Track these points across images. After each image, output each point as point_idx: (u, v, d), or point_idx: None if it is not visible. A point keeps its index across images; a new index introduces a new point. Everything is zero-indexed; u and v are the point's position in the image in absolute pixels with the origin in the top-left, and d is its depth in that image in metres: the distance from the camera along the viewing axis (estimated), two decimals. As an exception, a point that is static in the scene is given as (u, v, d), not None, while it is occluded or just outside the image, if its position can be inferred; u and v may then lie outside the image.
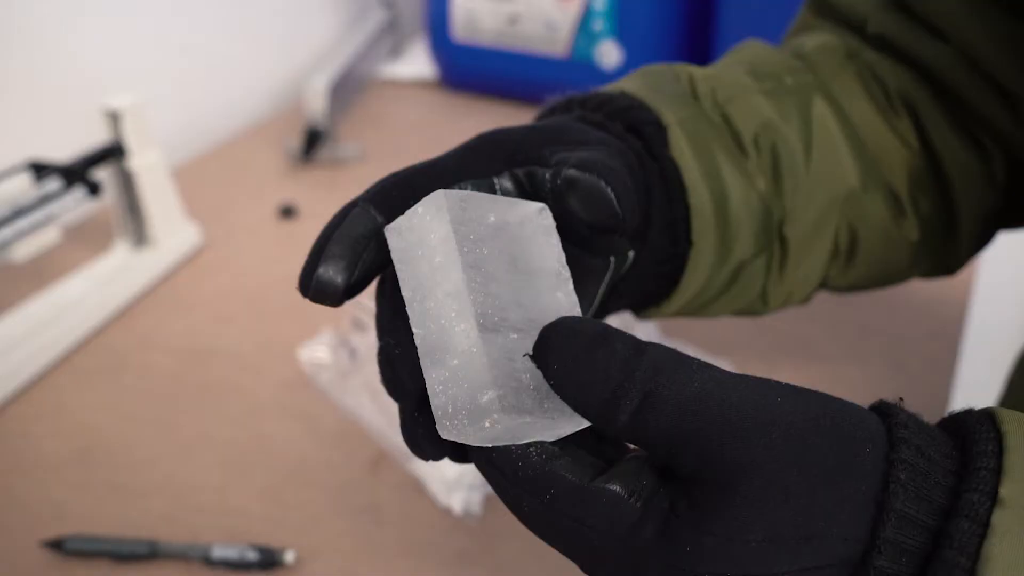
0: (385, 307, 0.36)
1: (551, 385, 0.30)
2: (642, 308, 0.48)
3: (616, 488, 0.30)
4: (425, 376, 0.32)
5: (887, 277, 0.55)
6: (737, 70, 0.50)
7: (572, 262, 0.37)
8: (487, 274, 0.32)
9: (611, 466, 0.31)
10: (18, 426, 0.73)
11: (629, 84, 0.48)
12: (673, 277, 0.46)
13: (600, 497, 0.30)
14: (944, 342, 0.79)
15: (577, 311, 0.34)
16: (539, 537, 0.32)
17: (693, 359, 0.30)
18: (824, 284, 0.54)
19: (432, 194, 0.33)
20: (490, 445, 0.31)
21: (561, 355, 0.30)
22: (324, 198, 1.09)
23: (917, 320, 0.83)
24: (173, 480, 0.67)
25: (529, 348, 0.31)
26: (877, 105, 0.52)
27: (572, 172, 0.35)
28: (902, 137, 0.52)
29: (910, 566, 0.29)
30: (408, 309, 0.33)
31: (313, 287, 0.34)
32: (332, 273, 0.34)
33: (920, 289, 0.60)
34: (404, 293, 0.33)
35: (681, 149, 0.45)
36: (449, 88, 1.42)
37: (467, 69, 1.39)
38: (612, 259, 0.41)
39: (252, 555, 0.59)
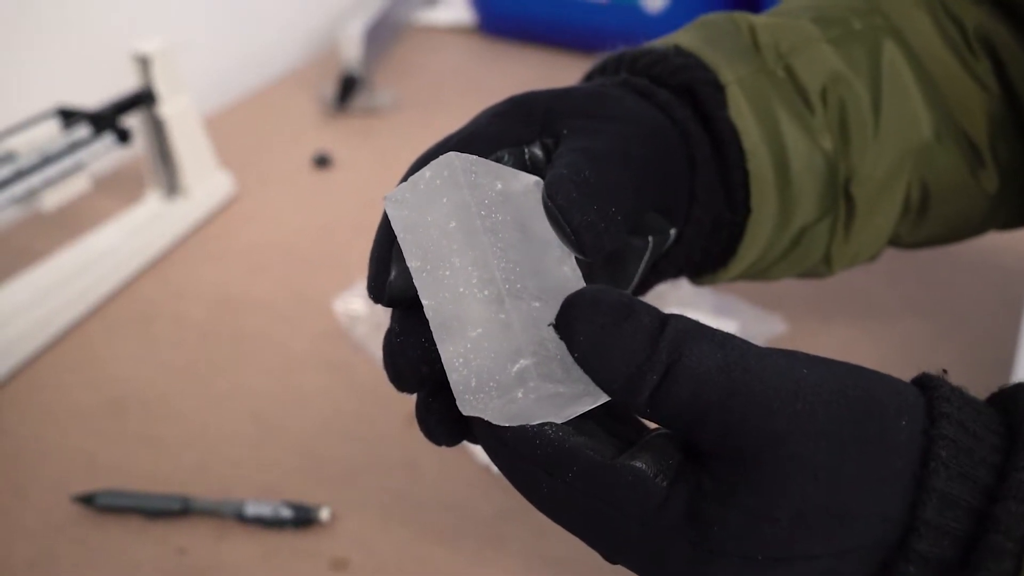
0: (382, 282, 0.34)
1: (575, 357, 0.28)
2: (698, 275, 0.47)
3: (641, 465, 0.28)
4: (440, 350, 0.30)
5: (962, 231, 0.53)
6: (801, 16, 0.47)
7: None
8: (505, 240, 0.30)
9: (630, 446, 0.29)
10: (50, 377, 0.72)
11: (685, 38, 0.45)
12: (730, 244, 0.45)
13: (624, 475, 0.28)
14: (1009, 293, 0.76)
15: (582, 285, 0.32)
16: (556, 522, 0.30)
17: (716, 330, 0.28)
18: (893, 242, 0.52)
19: (441, 157, 0.31)
20: (507, 424, 0.29)
21: (587, 326, 0.28)
22: (359, 146, 1.07)
23: (981, 271, 0.80)
24: (206, 433, 0.66)
25: (550, 318, 0.29)
26: (952, 46, 0.49)
27: (543, 193, 0.33)
28: (980, 80, 0.48)
29: (952, 549, 0.27)
30: (416, 280, 0.31)
31: (388, 295, 0.32)
32: (407, 278, 0.32)
33: (985, 238, 0.57)
34: (411, 264, 0.31)
35: (740, 110, 0.43)
36: (487, 34, 1.39)
37: (506, 14, 1.35)
38: (651, 239, 0.39)
39: (286, 512, 0.57)
